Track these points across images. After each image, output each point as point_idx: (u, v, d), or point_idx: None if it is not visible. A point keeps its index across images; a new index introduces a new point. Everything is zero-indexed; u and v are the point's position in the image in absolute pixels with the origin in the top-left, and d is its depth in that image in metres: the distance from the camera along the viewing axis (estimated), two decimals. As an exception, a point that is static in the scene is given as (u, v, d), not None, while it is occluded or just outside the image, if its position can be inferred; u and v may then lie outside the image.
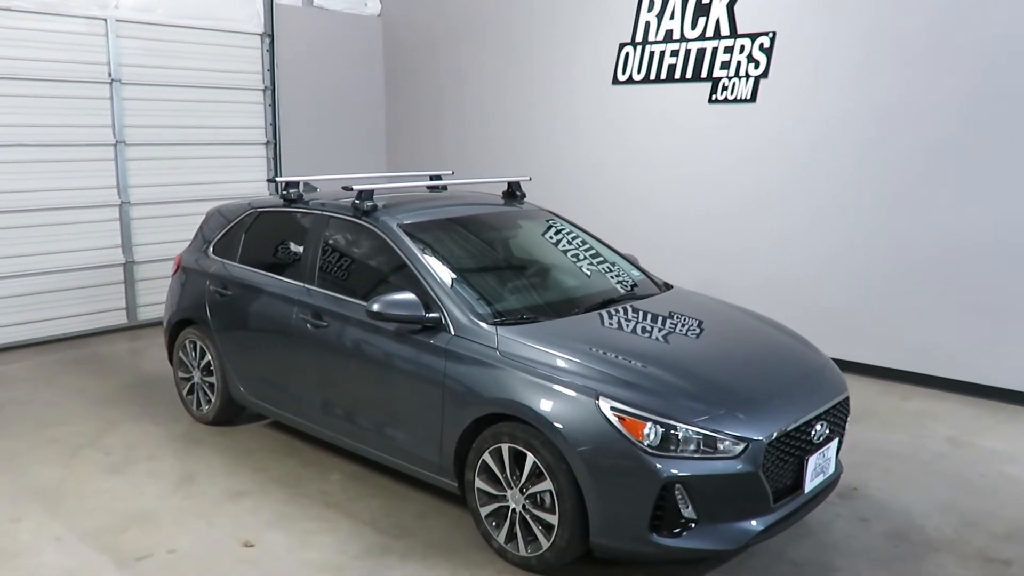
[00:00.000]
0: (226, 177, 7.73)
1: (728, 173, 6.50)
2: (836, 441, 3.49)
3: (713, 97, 6.50)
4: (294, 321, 4.23)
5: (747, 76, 6.29)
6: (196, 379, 4.98)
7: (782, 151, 6.18)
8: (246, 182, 7.83)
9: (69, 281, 6.89)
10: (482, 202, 4.70)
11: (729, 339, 3.85)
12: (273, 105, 8.02)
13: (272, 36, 7.90)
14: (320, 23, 8.39)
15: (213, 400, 4.87)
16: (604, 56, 7.12)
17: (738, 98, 6.35)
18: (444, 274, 3.79)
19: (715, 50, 6.46)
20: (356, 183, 4.25)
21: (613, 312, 3.83)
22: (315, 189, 5.16)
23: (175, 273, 5.20)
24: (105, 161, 6.99)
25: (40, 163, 6.60)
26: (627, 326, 3.74)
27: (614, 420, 3.06)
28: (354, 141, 8.85)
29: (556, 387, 3.20)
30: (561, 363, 3.28)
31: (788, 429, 3.19)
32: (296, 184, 4.65)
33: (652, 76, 6.85)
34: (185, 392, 5.08)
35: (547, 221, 4.67)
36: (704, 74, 6.54)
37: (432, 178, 5.10)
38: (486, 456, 3.40)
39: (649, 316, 3.87)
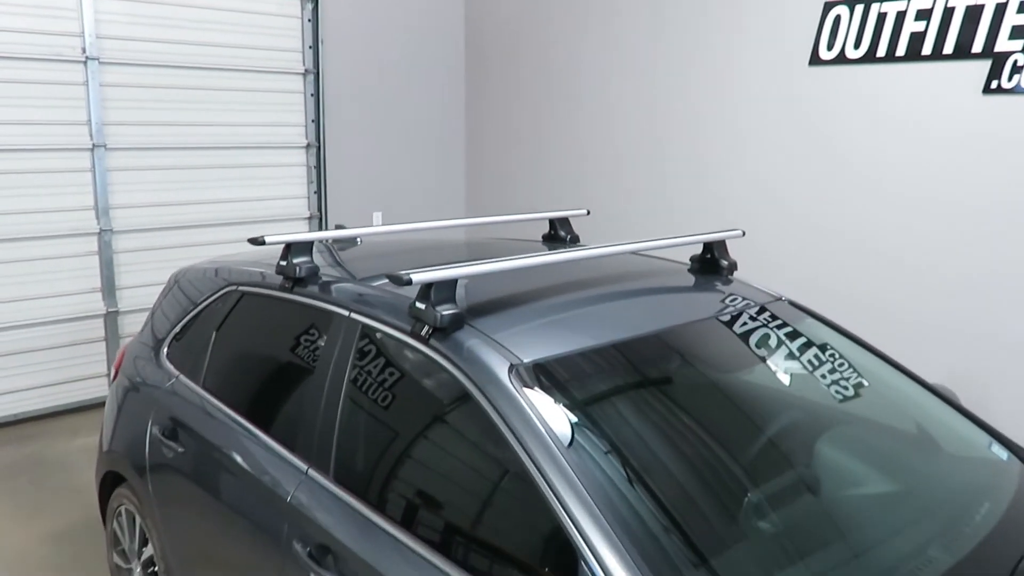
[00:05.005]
0: (249, 194, 5.73)
1: (1016, 206, 4.05)
2: None
3: (993, 84, 4.05)
4: (284, 545, 2.04)
5: (1059, 50, 3.84)
6: (136, 574, 2.86)
7: (1125, 175, 3.70)
8: (274, 199, 5.80)
9: (25, 340, 4.92)
10: (660, 285, 2.39)
11: None
12: (316, 95, 5.96)
13: (316, 2, 5.85)
14: (381, -14, 6.27)
15: (159, 623, 2.74)
16: (799, 21, 4.73)
17: (1041, 86, 3.91)
18: (623, 505, 1.53)
19: (1001, 8, 4.00)
20: (419, 258, 2.00)
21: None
22: (355, 242, 2.96)
23: (115, 377, 3.09)
24: (78, 172, 5.02)
25: (-19, 176, 4.66)
26: None
27: None
28: (424, 146, 6.69)
29: None
30: None
31: None
32: (307, 247, 2.41)
33: (880, 52, 4.42)
34: (122, 589, 2.98)
35: (791, 328, 2.32)
36: (978, 47, 4.08)
37: (554, 229, 2.81)
38: None
39: None
